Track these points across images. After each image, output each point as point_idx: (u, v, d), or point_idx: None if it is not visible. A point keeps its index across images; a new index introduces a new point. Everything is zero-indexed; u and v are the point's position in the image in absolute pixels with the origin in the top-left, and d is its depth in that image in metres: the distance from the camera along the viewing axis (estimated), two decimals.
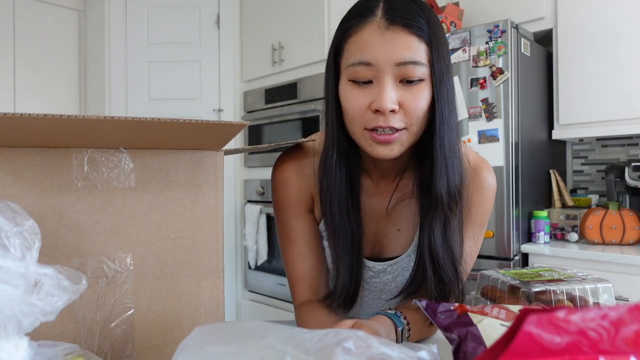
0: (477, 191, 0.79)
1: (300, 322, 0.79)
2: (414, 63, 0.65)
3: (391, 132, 0.67)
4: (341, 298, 0.77)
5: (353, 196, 0.77)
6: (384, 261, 0.83)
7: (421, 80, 0.67)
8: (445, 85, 0.69)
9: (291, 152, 0.83)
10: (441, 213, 0.72)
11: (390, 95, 0.65)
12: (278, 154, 0.87)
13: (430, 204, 0.73)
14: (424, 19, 0.66)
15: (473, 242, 0.81)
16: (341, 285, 0.77)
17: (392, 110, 0.66)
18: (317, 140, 0.80)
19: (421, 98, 0.67)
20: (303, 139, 0.81)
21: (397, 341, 0.68)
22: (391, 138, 0.67)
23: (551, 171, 2.24)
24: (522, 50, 1.98)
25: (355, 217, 0.77)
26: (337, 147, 0.74)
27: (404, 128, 0.68)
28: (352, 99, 0.68)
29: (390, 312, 0.72)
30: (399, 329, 0.68)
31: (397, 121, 0.67)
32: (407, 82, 0.67)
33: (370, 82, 0.67)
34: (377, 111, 0.66)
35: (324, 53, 2.56)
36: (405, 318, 0.70)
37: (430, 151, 0.71)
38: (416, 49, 0.66)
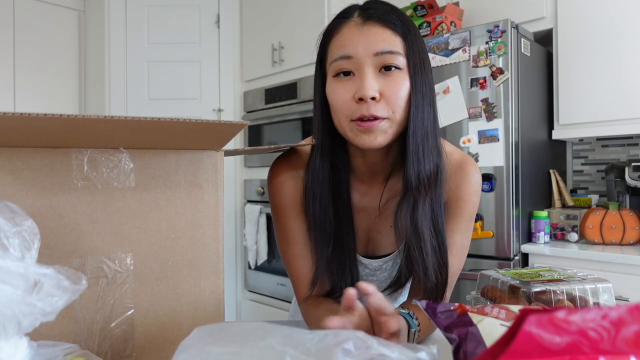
0: (464, 185, 0.82)
1: (306, 313, 0.81)
2: (391, 52, 0.70)
3: (374, 120, 0.71)
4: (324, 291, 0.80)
5: (340, 195, 0.80)
6: (378, 259, 0.86)
7: (399, 69, 0.71)
8: (420, 77, 0.73)
9: (285, 156, 0.86)
10: (410, 195, 0.75)
11: (371, 83, 0.70)
12: (278, 154, 0.87)
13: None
14: (397, 17, 0.72)
15: (463, 236, 0.84)
16: (320, 278, 0.80)
17: (374, 98, 0.70)
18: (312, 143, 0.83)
19: (401, 86, 0.71)
20: (301, 142, 0.82)
21: (407, 341, 0.68)
22: (374, 123, 0.71)
23: (551, 171, 2.23)
24: (522, 50, 1.98)
25: (336, 215, 0.80)
26: (322, 147, 0.78)
27: (387, 117, 0.71)
28: (337, 92, 0.72)
29: (403, 311, 0.71)
30: (412, 330, 0.69)
31: (379, 109, 0.70)
32: (386, 70, 0.71)
33: (352, 75, 0.72)
34: (360, 100, 0.70)
35: None
36: (416, 319, 0.70)
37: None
38: (391, 41, 0.71)
